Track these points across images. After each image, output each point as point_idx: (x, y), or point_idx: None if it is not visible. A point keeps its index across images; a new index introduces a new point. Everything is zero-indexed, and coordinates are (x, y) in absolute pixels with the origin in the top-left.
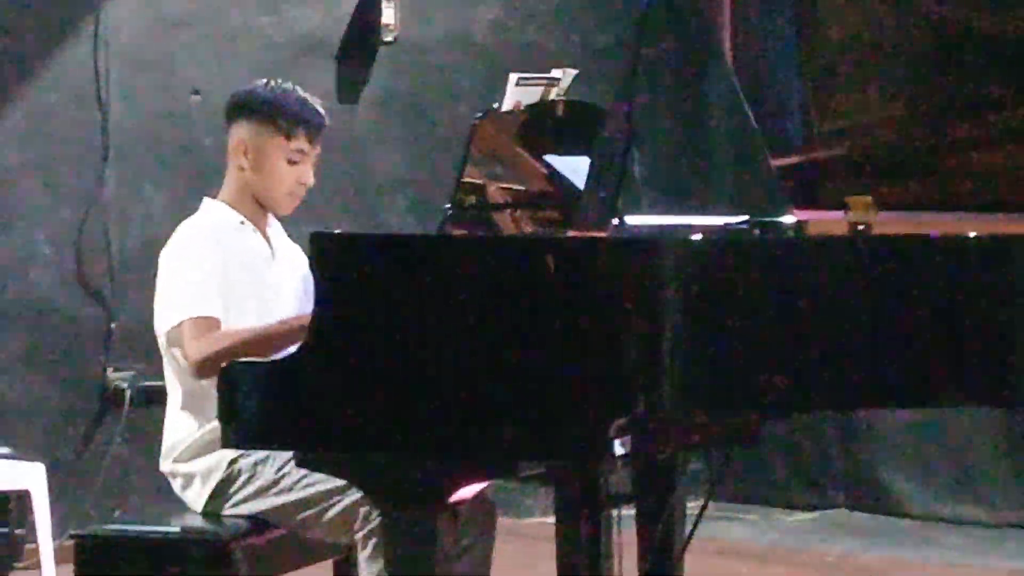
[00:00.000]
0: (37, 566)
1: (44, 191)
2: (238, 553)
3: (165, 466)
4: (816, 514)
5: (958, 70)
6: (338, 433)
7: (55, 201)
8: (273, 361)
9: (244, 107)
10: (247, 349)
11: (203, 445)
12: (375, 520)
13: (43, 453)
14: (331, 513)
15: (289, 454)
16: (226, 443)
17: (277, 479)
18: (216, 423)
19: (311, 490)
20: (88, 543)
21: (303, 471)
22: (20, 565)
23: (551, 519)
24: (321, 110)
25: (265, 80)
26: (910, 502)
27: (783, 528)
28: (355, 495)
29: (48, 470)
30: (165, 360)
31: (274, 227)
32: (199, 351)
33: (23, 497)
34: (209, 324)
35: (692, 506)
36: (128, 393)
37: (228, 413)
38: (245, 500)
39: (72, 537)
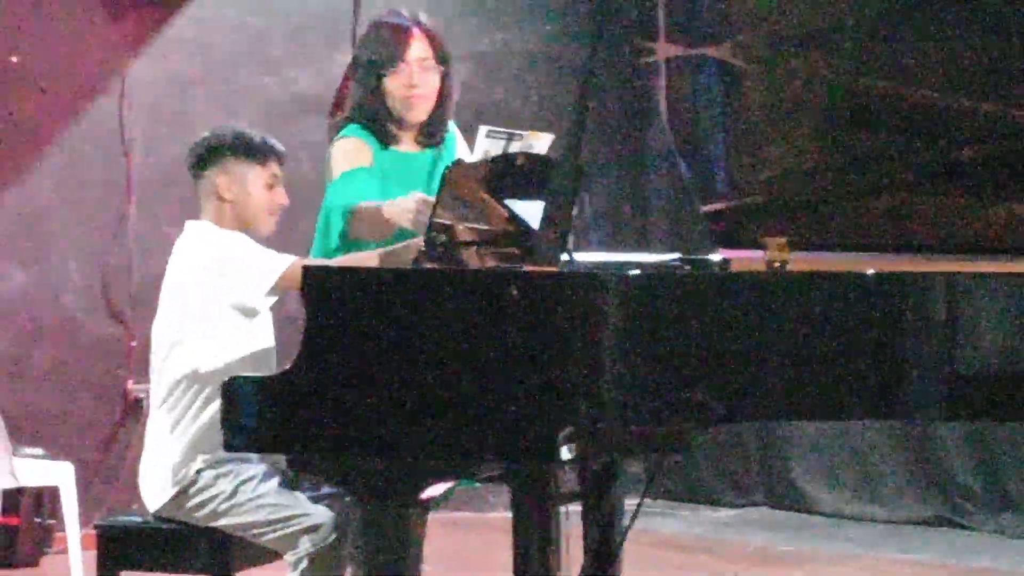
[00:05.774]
0: (65, 552)
1: (76, 226)
2: (236, 542)
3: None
4: (738, 511)
5: (858, 127)
6: (326, 438)
7: (85, 235)
8: (270, 376)
9: (216, 150)
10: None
11: (185, 447)
12: (304, 551)
13: (72, 454)
14: (270, 536)
15: (246, 474)
16: (227, 447)
17: (233, 493)
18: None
19: (260, 514)
20: (109, 533)
21: (258, 492)
22: (51, 551)
23: (509, 514)
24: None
25: (211, 131)
26: (820, 501)
27: (709, 523)
28: (293, 527)
29: (76, 469)
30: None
31: None
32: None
33: (54, 492)
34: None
35: (630, 503)
36: (146, 402)
37: (229, 420)
38: (200, 507)
39: (95, 527)
